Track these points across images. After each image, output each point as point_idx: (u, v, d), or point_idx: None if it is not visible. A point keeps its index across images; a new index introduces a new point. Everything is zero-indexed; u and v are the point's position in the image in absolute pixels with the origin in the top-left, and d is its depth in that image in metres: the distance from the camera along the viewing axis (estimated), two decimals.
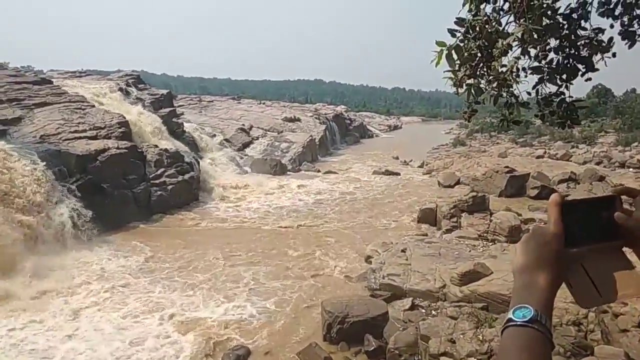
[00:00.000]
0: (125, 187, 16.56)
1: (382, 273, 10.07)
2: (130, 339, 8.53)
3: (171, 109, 27.05)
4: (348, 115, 57.93)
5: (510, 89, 3.34)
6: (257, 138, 33.28)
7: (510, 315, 0.96)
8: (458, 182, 22.32)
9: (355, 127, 55.33)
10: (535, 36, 2.93)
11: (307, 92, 72.39)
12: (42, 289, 10.50)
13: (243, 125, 34.41)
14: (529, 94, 3.40)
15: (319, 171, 29.08)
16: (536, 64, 3.23)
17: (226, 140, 31.70)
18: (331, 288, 10.98)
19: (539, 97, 3.43)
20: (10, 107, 17.50)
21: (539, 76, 3.28)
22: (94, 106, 19.60)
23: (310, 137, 34.33)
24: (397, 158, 35.82)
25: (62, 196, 13.93)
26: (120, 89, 25.58)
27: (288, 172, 27.96)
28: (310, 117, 40.66)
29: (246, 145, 32.15)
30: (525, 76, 3.21)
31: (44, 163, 14.13)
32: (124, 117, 19.10)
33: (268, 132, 34.39)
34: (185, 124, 27.70)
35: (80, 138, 16.59)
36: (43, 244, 12.57)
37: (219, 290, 10.89)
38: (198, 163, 21.58)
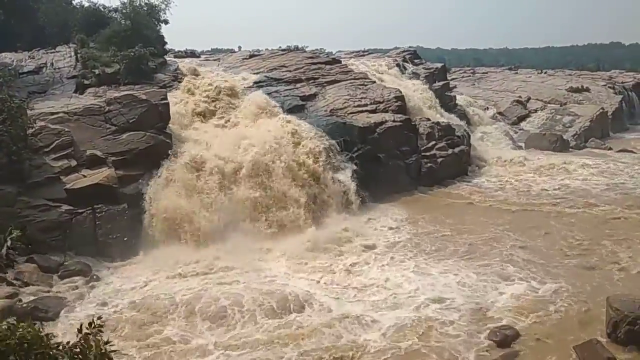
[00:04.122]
0: (399, 158, 17.49)
1: None
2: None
3: (444, 82, 27.08)
4: None
5: None
6: (535, 111, 30.48)
7: None
8: None
9: None
10: None
11: (599, 59, 62.46)
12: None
13: (519, 97, 31.97)
14: None
15: (610, 149, 25.10)
16: None
17: (500, 113, 30.07)
18: (623, 283, 9.62)
19: None
20: (308, 84, 20.29)
21: None
22: (374, 82, 21.11)
23: (601, 110, 29.76)
24: None
25: (344, 164, 15.61)
26: (397, 65, 26.88)
27: (570, 149, 24.91)
28: (602, 86, 35.16)
29: (522, 118, 29.85)
30: None
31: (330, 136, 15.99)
32: (400, 92, 20.00)
33: (548, 105, 31.14)
34: (457, 97, 27.43)
35: (362, 112, 18.15)
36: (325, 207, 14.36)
37: (485, 266, 10.70)
38: (469, 137, 21.19)
